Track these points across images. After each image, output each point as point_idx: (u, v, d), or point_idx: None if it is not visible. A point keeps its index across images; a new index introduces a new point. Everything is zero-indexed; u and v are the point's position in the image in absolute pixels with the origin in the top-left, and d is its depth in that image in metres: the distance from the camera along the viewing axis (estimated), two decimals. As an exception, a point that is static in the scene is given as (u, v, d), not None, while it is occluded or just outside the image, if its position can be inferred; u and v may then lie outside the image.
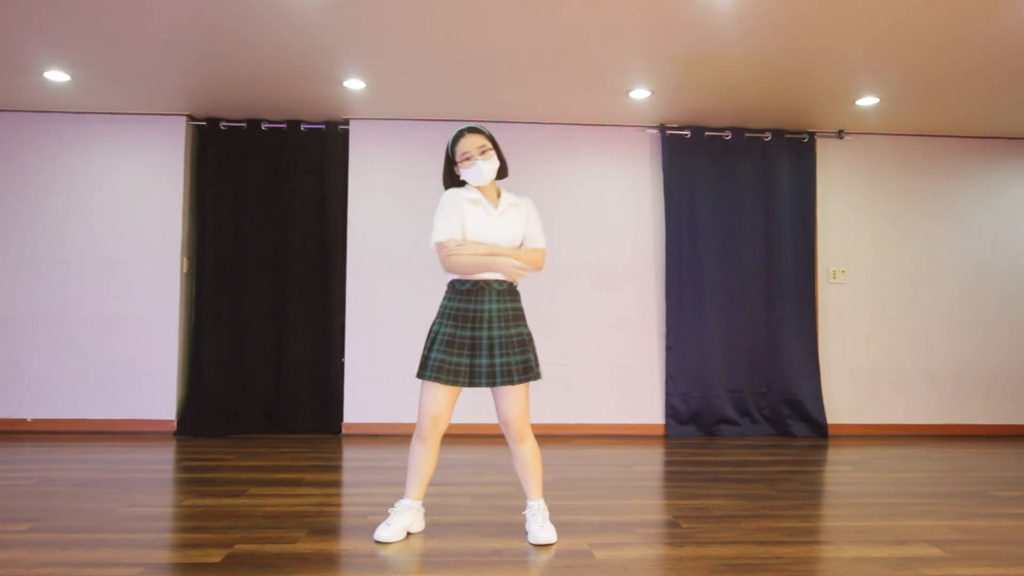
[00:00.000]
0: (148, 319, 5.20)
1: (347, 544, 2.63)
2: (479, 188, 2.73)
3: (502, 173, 2.79)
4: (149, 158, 5.27)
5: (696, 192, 5.44)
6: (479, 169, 2.67)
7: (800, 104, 5.03)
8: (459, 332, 2.61)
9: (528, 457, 2.69)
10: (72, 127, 5.25)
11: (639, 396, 5.41)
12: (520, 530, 2.78)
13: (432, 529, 2.81)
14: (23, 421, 5.13)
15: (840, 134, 5.60)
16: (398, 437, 5.12)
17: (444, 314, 2.66)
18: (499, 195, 2.77)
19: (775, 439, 5.29)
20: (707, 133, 5.45)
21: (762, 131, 5.49)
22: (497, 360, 2.59)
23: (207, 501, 3.18)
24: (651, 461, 4.47)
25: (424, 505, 2.82)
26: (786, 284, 5.45)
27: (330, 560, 2.43)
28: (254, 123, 5.36)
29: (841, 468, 4.32)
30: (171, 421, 5.18)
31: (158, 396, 5.17)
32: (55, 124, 5.24)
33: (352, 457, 4.46)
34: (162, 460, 4.24)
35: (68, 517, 2.90)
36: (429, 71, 4.47)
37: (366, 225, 5.32)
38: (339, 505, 3.23)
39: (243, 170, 5.36)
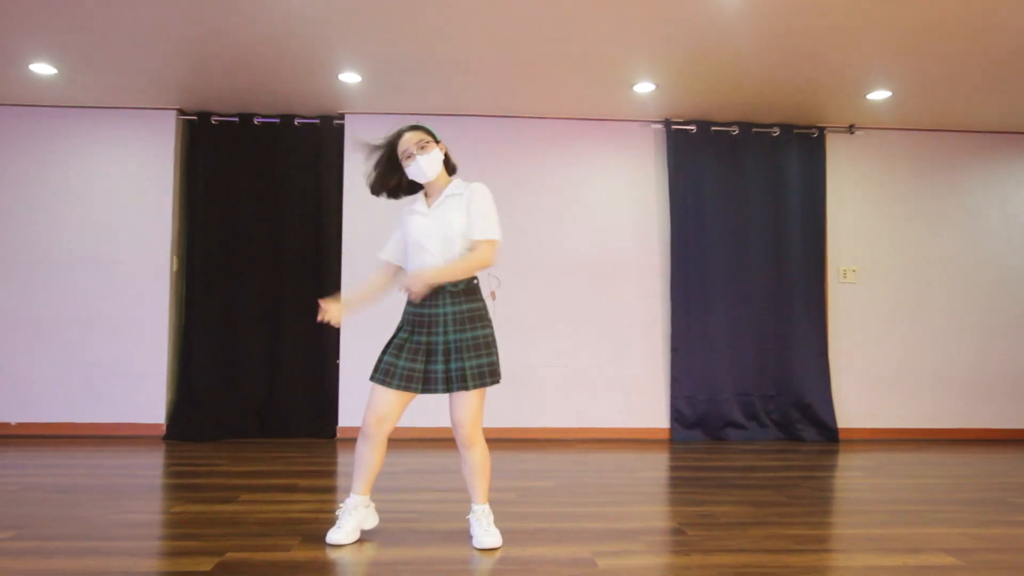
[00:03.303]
0: (137, 319, 5.18)
1: (341, 552, 2.59)
2: (426, 188, 2.72)
3: (450, 167, 2.76)
4: (138, 153, 5.25)
5: (702, 189, 5.43)
6: (418, 165, 2.63)
7: (809, 98, 5.03)
8: (413, 337, 2.63)
9: (476, 463, 2.67)
10: (58, 121, 5.22)
11: (643, 399, 5.38)
12: (520, 538, 2.75)
13: (429, 536, 2.79)
14: (7, 425, 5.12)
15: (851, 129, 5.57)
16: (394, 442, 5.05)
17: (403, 318, 2.70)
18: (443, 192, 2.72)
19: (784, 444, 5.27)
20: (713, 128, 5.44)
21: (770, 126, 5.48)
22: (453, 365, 2.58)
23: (198, 507, 3.16)
24: (656, 466, 4.45)
25: (373, 500, 2.82)
26: (795, 283, 5.44)
27: (324, 568, 2.41)
28: (246, 117, 5.34)
29: (852, 474, 4.29)
30: (160, 425, 5.17)
31: (147, 399, 5.15)
32: (40, 118, 5.21)
33: (347, 462, 4.42)
34: (151, 465, 4.21)
35: (54, 524, 2.87)
36: (427, 64, 4.47)
37: (361, 223, 5.29)
38: (334, 512, 3.16)
39: (235, 166, 5.34)
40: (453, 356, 2.57)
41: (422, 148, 2.62)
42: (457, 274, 2.57)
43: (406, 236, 2.68)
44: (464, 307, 2.61)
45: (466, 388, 2.56)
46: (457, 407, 2.61)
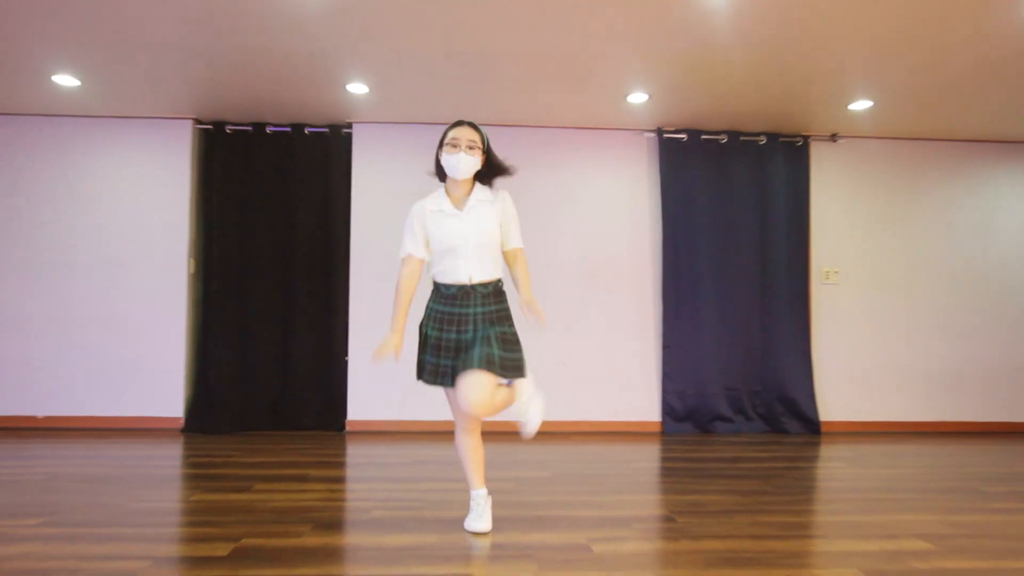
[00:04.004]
0: (155, 319, 5.20)
1: (351, 538, 2.64)
2: (448, 186, 2.69)
3: (486, 178, 2.73)
4: (156, 161, 5.27)
5: (692, 195, 5.43)
6: (458, 160, 2.60)
7: (794, 108, 5.04)
8: (444, 335, 2.62)
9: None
10: (81, 131, 5.25)
11: (636, 394, 5.41)
12: (519, 525, 2.80)
13: (434, 524, 2.82)
14: (33, 418, 5.16)
15: (834, 137, 5.61)
16: (400, 434, 5.13)
17: (430, 315, 2.68)
18: (470, 194, 2.69)
19: (769, 436, 5.29)
20: (703, 136, 5.45)
21: (757, 134, 5.50)
22: (481, 350, 2.55)
23: (214, 496, 3.19)
24: (648, 458, 4.46)
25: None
26: (780, 284, 5.46)
27: (335, 554, 2.44)
28: (259, 126, 5.37)
29: (833, 464, 4.32)
30: (179, 418, 5.20)
31: (166, 394, 5.18)
32: (63, 128, 5.24)
33: (356, 453, 4.46)
34: (170, 456, 4.24)
35: (78, 512, 2.91)
36: (430, 75, 4.48)
37: (368, 227, 5.31)
38: (343, 500, 3.24)
39: (248, 173, 5.36)
40: (484, 344, 2.55)
41: (470, 148, 2.61)
42: (529, 286, 2.69)
43: (434, 238, 2.63)
44: (493, 307, 2.63)
45: (493, 371, 2.52)
46: (466, 391, 2.50)
